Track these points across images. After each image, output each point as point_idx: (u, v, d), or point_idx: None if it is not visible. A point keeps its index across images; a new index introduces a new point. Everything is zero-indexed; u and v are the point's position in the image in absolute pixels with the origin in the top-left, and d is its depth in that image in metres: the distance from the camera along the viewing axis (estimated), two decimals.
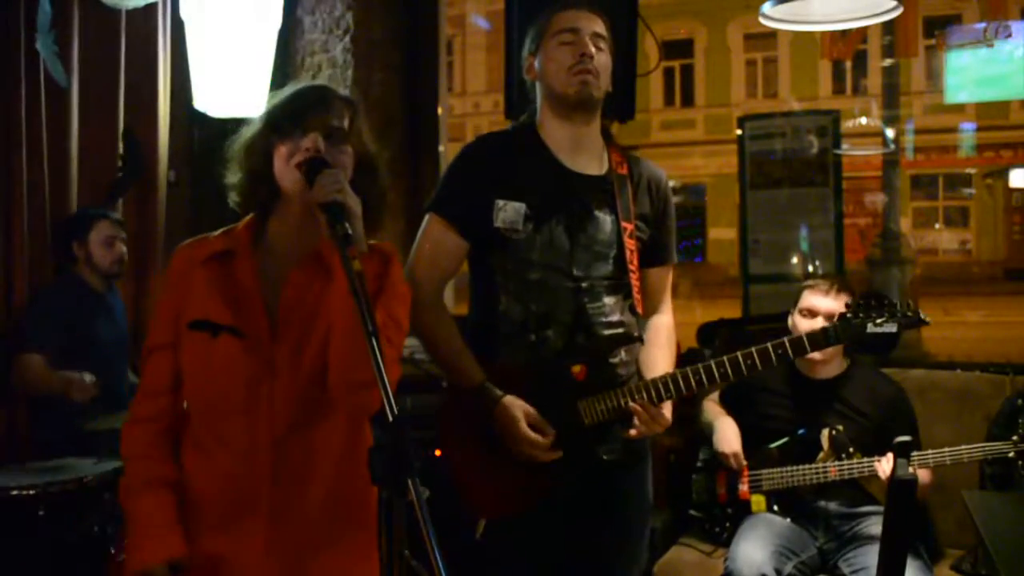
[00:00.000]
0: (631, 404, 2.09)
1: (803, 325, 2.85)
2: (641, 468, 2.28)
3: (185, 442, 1.75)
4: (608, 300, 2.16)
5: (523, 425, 2.05)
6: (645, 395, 2.11)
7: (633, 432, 2.12)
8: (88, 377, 3.05)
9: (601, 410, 2.12)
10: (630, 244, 2.17)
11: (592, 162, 2.21)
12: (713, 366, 2.12)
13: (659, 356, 2.24)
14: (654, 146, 21.88)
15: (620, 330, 2.17)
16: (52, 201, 3.38)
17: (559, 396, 2.11)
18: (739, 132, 4.38)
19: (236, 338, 1.66)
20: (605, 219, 2.16)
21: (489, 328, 2.17)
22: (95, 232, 3.32)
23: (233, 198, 1.77)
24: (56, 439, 3.03)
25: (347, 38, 3.95)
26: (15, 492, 2.58)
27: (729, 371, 2.12)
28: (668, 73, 21.34)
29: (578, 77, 2.10)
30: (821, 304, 2.84)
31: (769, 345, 2.13)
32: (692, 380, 2.11)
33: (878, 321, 2.13)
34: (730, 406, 3.11)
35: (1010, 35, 4.09)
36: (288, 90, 1.75)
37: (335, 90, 1.77)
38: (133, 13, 3.60)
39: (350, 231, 1.51)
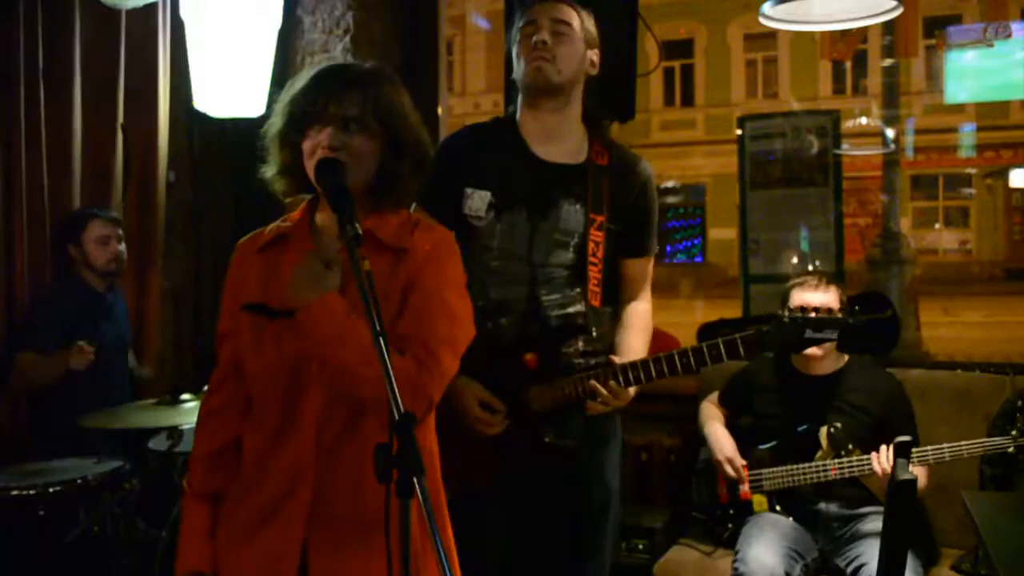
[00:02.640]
0: (591, 382, 2.14)
1: None
2: (601, 455, 2.33)
3: (249, 424, 1.77)
4: (567, 291, 2.22)
5: (472, 401, 2.14)
6: (603, 381, 2.15)
7: (590, 409, 2.18)
8: (81, 343, 3.07)
9: (550, 397, 2.18)
10: (596, 235, 2.22)
11: (568, 152, 2.26)
12: (650, 363, 2.15)
13: (633, 340, 2.30)
14: (654, 146, 21.87)
15: (577, 321, 2.22)
16: (52, 201, 3.37)
17: (511, 383, 2.18)
18: (739, 132, 4.37)
19: (289, 319, 1.65)
20: (572, 208, 2.22)
21: None
22: (88, 232, 3.32)
23: (277, 188, 1.78)
24: (56, 439, 3.03)
25: (347, 38, 3.95)
26: (15, 492, 2.58)
27: (692, 362, 2.14)
28: (668, 73, 21.34)
29: (532, 64, 2.17)
30: (813, 298, 2.84)
31: (704, 345, 2.14)
32: (652, 369, 2.15)
33: (816, 325, 2.06)
34: (729, 406, 3.11)
35: (1010, 35, 4.10)
36: (303, 77, 1.74)
37: (346, 71, 1.74)
38: (133, 13, 3.60)
39: (360, 231, 1.51)
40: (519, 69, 2.22)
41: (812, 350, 2.78)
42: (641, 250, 2.35)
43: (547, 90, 2.20)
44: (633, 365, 2.16)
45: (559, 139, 2.25)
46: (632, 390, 2.19)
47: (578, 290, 2.23)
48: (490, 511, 2.22)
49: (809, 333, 2.07)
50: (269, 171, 1.77)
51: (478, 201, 2.19)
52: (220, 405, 1.78)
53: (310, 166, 1.67)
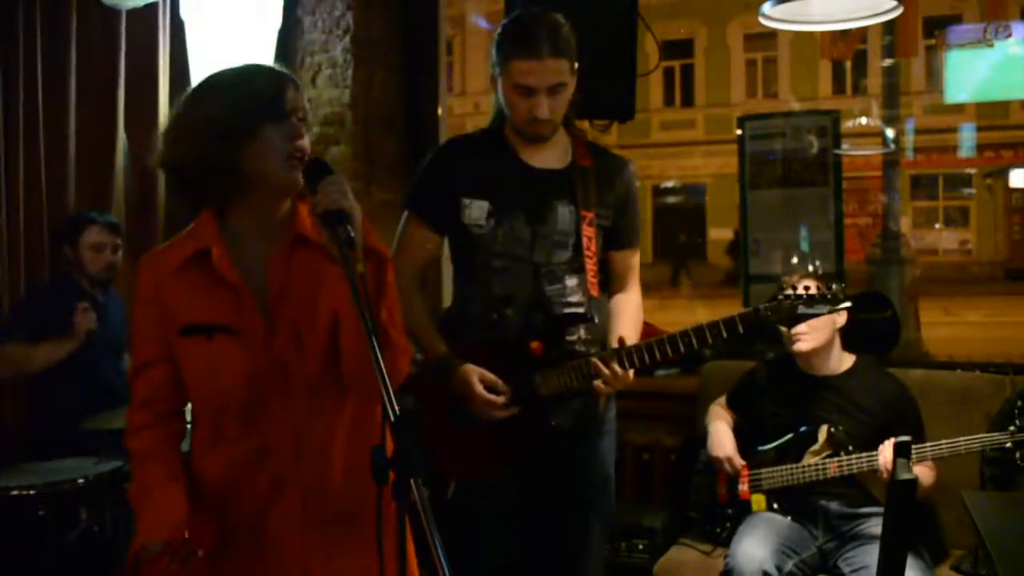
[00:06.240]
0: (592, 360, 2.23)
1: None
2: (596, 440, 2.42)
3: (197, 445, 1.76)
4: (569, 283, 2.33)
5: (478, 386, 2.23)
6: (606, 363, 2.23)
7: (597, 390, 2.25)
8: (84, 304, 3.18)
9: (556, 382, 2.28)
10: (588, 232, 2.34)
11: (554, 157, 2.37)
12: (654, 345, 2.24)
13: (625, 327, 2.37)
14: (654, 146, 21.88)
15: (579, 310, 2.32)
16: (49, 202, 3.38)
17: (517, 369, 2.28)
18: (739, 132, 4.37)
19: (232, 336, 1.65)
20: (564, 210, 2.33)
21: (460, 311, 2.39)
22: (85, 237, 3.32)
23: (180, 185, 1.68)
24: (56, 439, 3.03)
25: (347, 38, 3.95)
26: (15, 492, 2.58)
27: (668, 350, 2.24)
28: (668, 73, 21.33)
29: (531, 128, 2.28)
30: None
31: (704, 325, 2.25)
32: (656, 351, 2.23)
33: (808, 302, 2.25)
34: (737, 408, 3.12)
35: (1010, 35, 4.09)
36: (239, 72, 1.68)
37: (275, 69, 1.71)
38: (133, 13, 3.60)
39: (352, 234, 1.50)
40: (512, 115, 2.29)
41: (800, 345, 2.87)
42: (628, 243, 2.46)
43: (542, 140, 2.33)
44: (637, 348, 2.25)
45: (547, 147, 2.36)
46: (632, 373, 2.26)
47: (578, 281, 2.33)
48: (489, 498, 2.31)
49: (802, 309, 2.24)
50: (175, 160, 1.66)
51: (476, 211, 2.30)
52: (147, 422, 1.77)
53: (277, 161, 1.61)
